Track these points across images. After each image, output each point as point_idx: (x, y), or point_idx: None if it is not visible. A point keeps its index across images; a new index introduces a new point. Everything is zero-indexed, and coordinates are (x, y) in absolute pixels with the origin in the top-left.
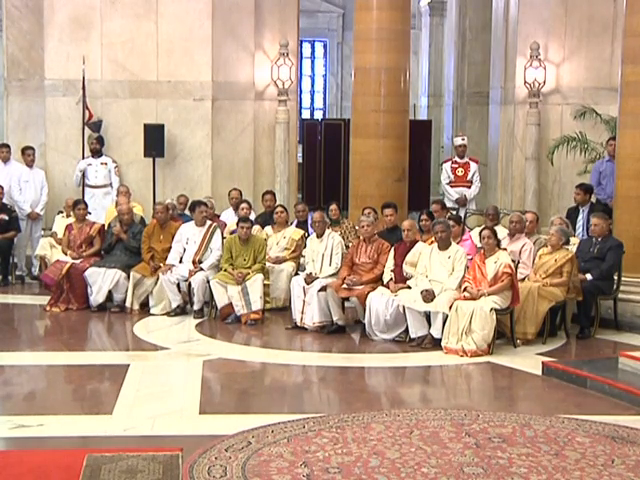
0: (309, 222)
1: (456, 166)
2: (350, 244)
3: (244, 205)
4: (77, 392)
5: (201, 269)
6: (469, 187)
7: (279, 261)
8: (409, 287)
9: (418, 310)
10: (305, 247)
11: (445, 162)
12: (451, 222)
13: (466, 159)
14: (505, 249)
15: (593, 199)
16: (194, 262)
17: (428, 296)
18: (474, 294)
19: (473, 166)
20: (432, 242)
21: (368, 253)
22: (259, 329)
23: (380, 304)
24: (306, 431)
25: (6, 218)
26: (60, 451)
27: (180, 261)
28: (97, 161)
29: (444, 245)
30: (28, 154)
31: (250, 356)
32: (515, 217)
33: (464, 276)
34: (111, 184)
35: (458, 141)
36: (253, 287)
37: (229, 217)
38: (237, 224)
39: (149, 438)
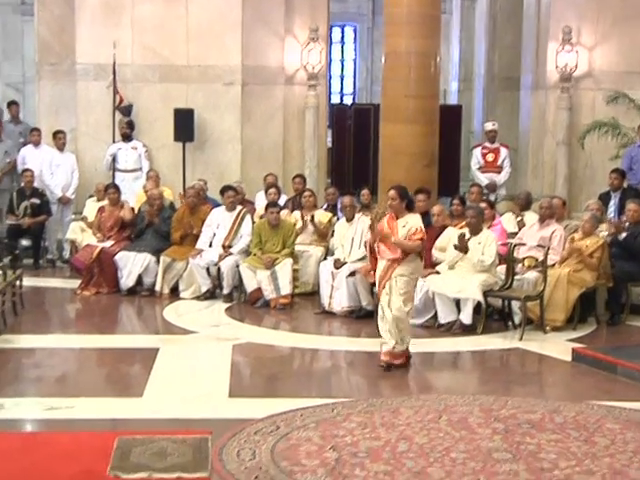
0: (339, 206)
1: (486, 151)
2: None
3: (272, 190)
4: (108, 375)
5: (230, 254)
6: (499, 173)
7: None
8: (438, 272)
9: (447, 296)
10: (333, 232)
11: (475, 147)
12: (483, 205)
13: (496, 144)
14: (417, 213)
15: (624, 184)
16: (224, 247)
17: (463, 243)
18: (386, 236)
19: (503, 151)
20: (462, 227)
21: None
22: (288, 314)
23: None
24: (335, 415)
25: (37, 202)
26: (91, 433)
27: (210, 245)
28: (127, 145)
29: (475, 230)
30: (59, 138)
31: (279, 340)
32: (545, 203)
33: (494, 261)
34: (141, 168)
35: (488, 126)
36: (282, 272)
37: (263, 201)
38: (266, 209)
39: (179, 421)
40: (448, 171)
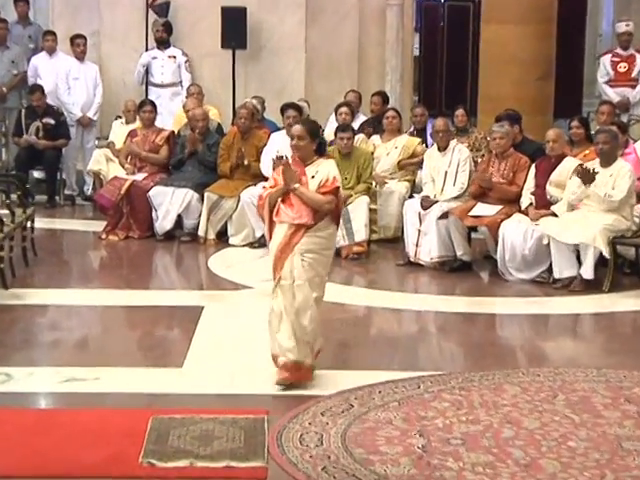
0: (428, 131)
1: (618, 60)
2: (480, 159)
3: (344, 109)
4: (140, 340)
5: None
6: (634, 87)
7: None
8: (554, 214)
9: (566, 243)
10: (421, 163)
11: (604, 55)
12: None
13: (631, 51)
14: (331, 157)
15: None
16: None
17: (587, 177)
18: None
19: None
20: (586, 157)
21: (501, 171)
22: (363, 265)
23: (517, 235)
24: (422, 392)
25: (52, 122)
26: (119, 411)
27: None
28: (164, 54)
29: (607, 160)
30: (78, 44)
31: (352, 298)
32: None
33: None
34: (181, 82)
35: (621, 27)
36: (356, 213)
37: (333, 124)
38: (335, 134)
39: (227, 397)
40: (568, 85)
